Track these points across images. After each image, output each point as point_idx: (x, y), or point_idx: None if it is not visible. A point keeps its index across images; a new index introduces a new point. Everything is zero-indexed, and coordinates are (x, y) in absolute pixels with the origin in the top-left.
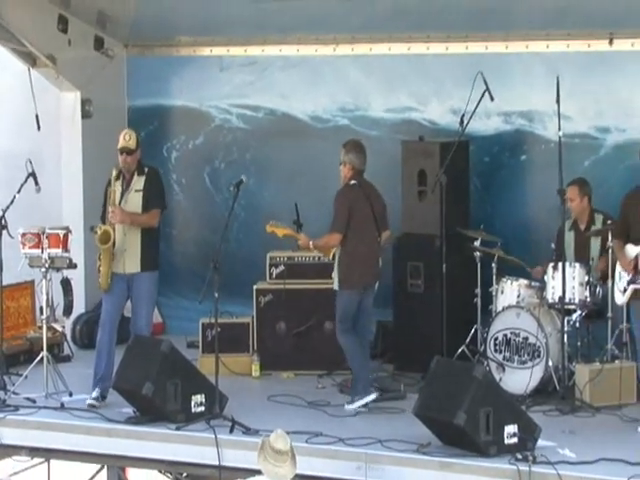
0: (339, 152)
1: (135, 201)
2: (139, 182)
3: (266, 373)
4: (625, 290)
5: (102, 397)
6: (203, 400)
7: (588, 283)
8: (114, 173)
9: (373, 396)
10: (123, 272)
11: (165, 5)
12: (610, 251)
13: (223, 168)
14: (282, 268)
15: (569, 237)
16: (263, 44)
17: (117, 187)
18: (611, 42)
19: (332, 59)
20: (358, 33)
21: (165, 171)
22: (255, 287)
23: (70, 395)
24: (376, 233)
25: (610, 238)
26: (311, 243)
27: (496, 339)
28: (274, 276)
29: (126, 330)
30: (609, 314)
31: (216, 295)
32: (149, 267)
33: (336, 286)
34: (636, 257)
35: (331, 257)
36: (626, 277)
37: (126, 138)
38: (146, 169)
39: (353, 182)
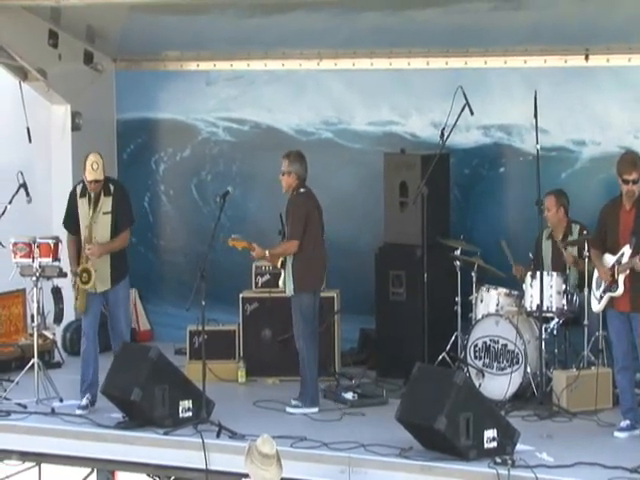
0: (281, 162)
1: (104, 223)
2: (106, 204)
3: (252, 379)
4: (601, 298)
5: (91, 403)
6: (190, 405)
7: (565, 292)
8: (78, 191)
9: (316, 409)
10: (96, 292)
11: (153, 21)
12: (587, 260)
13: (210, 180)
14: (268, 277)
15: (546, 246)
16: (248, 59)
17: (83, 206)
18: (587, 58)
19: (316, 73)
20: (341, 48)
21: (153, 182)
22: (241, 295)
23: (60, 401)
24: (323, 239)
25: (586, 248)
26: (267, 252)
27: (476, 346)
28: (260, 285)
29: (107, 338)
30: (585, 322)
31: (203, 303)
32: (120, 278)
33: (290, 292)
34: (613, 266)
35: (279, 265)
36: (602, 286)
37: (94, 167)
38: (112, 187)
39: (303, 190)
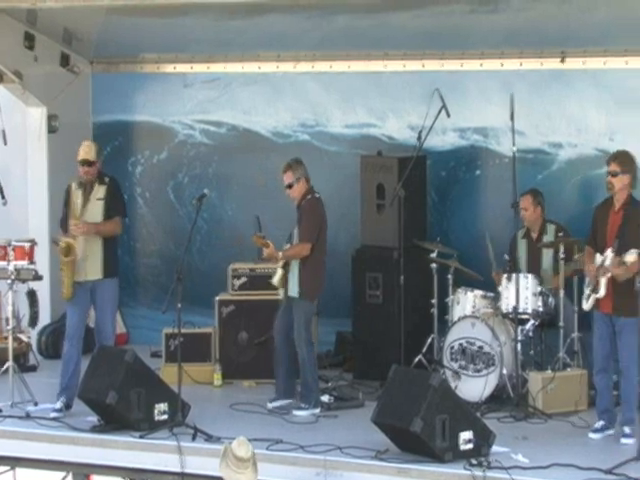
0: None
1: (96, 210)
2: (100, 191)
3: (228, 382)
4: (589, 297)
5: (67, 406)
6: (166, 409)
7: (541, 293)
8: (74, 185)
9: (318, 410)
10: (85, 280)
11: (130, 23)
12: (562, 263)
13: (186, 182)
14: (244, 279)
15: (522, 246)
16: (225, 61)
17: (77, 197)
18: (563, 60)
19: (293, 76)
20: (318, 51)
21: (130, 185)
22: (217, 298)
23: (35, 404)
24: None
25: (562, 250)
26: (281, 254)
27: (452, 348)
28: (236, 287)
29: (91, 341)
30: (561, 323)
31: (179, 306)
32: (111, 274)
33: (295, 295)
34: (598, 268)
35: (280, 264)
36: (591, 286)
37: (86, 150)
38: (106, 178)
39: (318, 194)
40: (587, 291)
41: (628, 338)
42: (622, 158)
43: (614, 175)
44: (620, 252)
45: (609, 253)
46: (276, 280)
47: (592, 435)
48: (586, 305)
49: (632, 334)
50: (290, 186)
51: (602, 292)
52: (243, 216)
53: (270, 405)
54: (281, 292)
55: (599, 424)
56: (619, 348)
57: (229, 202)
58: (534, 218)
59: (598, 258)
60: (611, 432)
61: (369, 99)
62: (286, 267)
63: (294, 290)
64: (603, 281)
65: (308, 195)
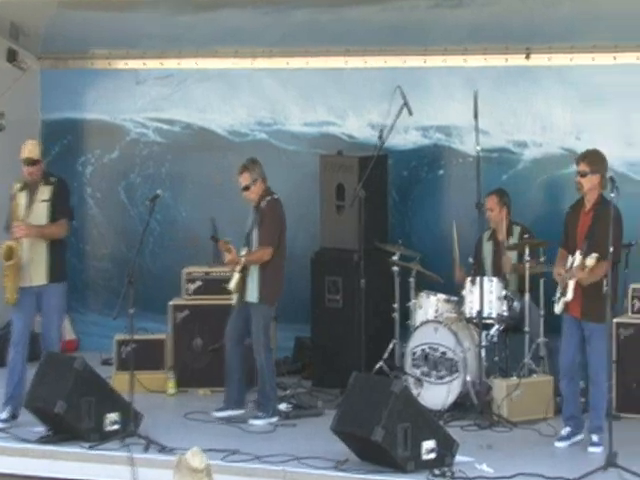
0: (236, 178)
1: (41, 211)
2: (45, 192)
3: (182, 390)
4: (559, 300)
5: (13, 417)
6: (117, 418)
7: (506, 297)
8: (17, 186)
9: (276, 419)
10: (30, 285)
11: (80, 17)
12: (527, 266)
13: (139, 182)
14: (199, 283)
15: (487, 248)
16: (179, 57)
17: (21, 199)
18: (528, 57)
19: (249, 72)
20: (276, 46)
21: (80, 185)
22: (171, 303)
23: None
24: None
25: (527, 252)
26: (243, 259)
27: (414, 354)
28: (190, 292)
29: (36, 348)
30: (526, 328)
31: (131, 311)
32: (57, 278)
33: (254, 300)
34: (567, 270)
35: (238, 269)
36: (560, 288)
37: (30, 148)
38: (52, 179)
39: (277, 196)
40: (557, 294)
41: (597, 344)
42: (591, 158)
43: (583, 175)
44: (589, 254)
45: (577, 255)
46: (233, 285)
47: (558, 444)
48: (557, 308)
49: (601, 340)
50: (247, 188)
51: (569, 295)
52: (198, 217)
53: (217, 415)
54: (235, 297)
55: (565, 431)
56: (588, 354)
57: (183, 203)
58: (500, 219)
59: (570, 260)
60: (578, 439)
61: (329, 96)
62: (244, 271)
63: (253, 295)
64: (571, 284)
65: (267, 196)
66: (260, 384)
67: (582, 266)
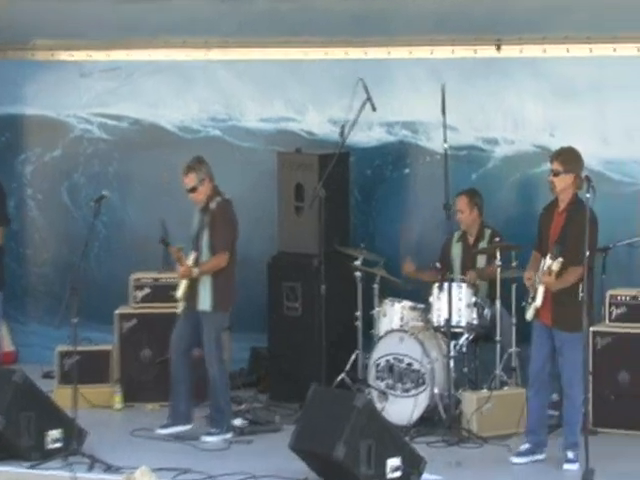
0: (182, 178)
1: None
2: None
3: (129, 405)
4: (529, 306)
5: None
6: (60, 435)
7: (475, 304)
8: None
9: (230, 435)
10: None
11: (20, 5)
12: (499, 271)
13: (83, 182)
14: (147, 290)
15: (456, 249)
16: (128, 48)
17: None
18: (499, 48)
19: (203, 64)
20: (231, 37)
21: (19, 186)
22: (117, 311)
23: None
24: None
25: (498, 256)
26: (197, 270)
27: (378, 365)
28: (138, 299)
29: None
30: (498, 337)
31: (74, 320)
32: None
33: (206, 308)
34: (537, 273)
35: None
36: (531, 293)
37: None
38: None
39: (228, 196)
40: (528, 299)
41: (570, 355)
42: (565, 156)
43: (556, 174)
44: (559, 258)
45: (547, 259)
46: (181, 292)
47: (515, 459)
48: (527, 314)
49: (574, 350)
50: (194, 189)
51: (538, 301)
52: (147, 219)
53: (161, 432)
54: (181, 305)
55: (524, 447)
56: (560, 365)
57: (131, 204)
58: (471, 221)
59: (541, 264)
60: (538, 458)
61: (287, 90)
62: (192, 278)
63: (205, 303)
64: (540, 289)
65: (216, 197)
66: (213, 398)
67: (549, 271)
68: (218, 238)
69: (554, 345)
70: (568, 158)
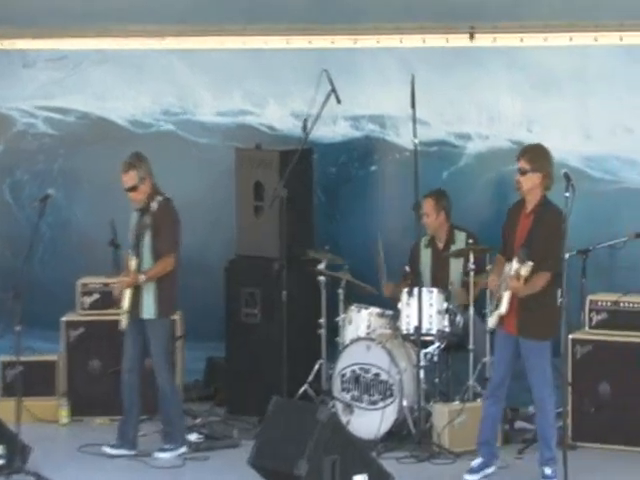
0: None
1: None
2: None
3: (77, 419)
4: (492, 313)
5: None
6: (2, 452)
7: (447, 311)
8: None
9: (184, 448)
10: None
11: None
12: (472, 275)
13: (26, 180)
14: (96, 296)
15: (425, 256)
16: (75, 36)
17: None
18: (472, 37)
19: (155, 54)
20: (186, 24)
21: None
22: (64, 319)
23: None
24: None
25: (472, 259)
26: (143, 276)
27: (343, 376)
28: (86, 306)
29: None
30: (471, 346)
31: (17, 328)
32: None
33: (150, 315)
34: (502, 279)
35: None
36: (495, 299)
37: None
38: None
39: (168, 195)
40: (491, 306)
41: (537, 364)
42: (532, 153)
43: (523, 173)
44: (527, 262)
45: (514, 263)
46: (127, 303)
47: (467, 476)
48: (490, 322)
49: (541, 359)
50: (134, 188)
51: (504, 308)
52: (95, 220)
53: (108, 451)
54: (124, 317)
55: (476, 463)
56: (528, 376)
57: (78, 203)
58: (437, 225)
59: (506, 268)
60: (489, 472)
61: (246, 82)
62: (135, 286)
63: (150, 311)
64: (506, 296)
65: (157, 196)
66: (164, 411)
67: (517, 275)
68: (163, 241)
69: (518, 353)
70: (535, 156)
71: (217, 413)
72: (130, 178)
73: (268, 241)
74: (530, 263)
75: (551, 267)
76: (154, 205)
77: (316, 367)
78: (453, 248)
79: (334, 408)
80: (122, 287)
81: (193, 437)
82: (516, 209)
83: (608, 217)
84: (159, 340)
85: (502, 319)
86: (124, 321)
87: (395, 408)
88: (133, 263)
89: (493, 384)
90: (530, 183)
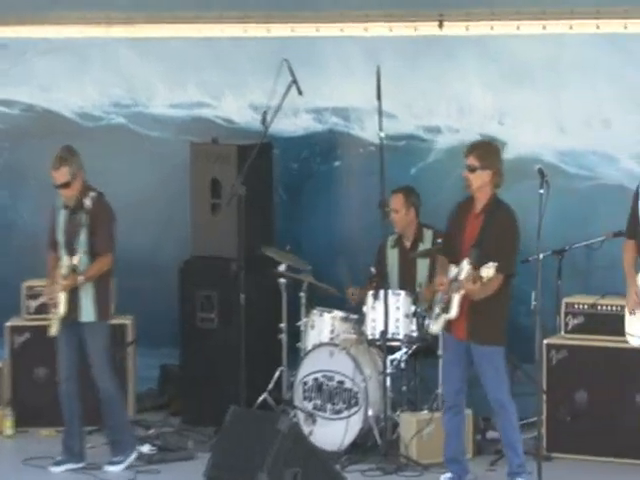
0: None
1: None
2: None
3: (21, 430)
4: (438, 317)
5: None
6: None
7: (415, 314)
8: None
9: (135, 454)
10: None
11: None
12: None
13: None
14: (43, 300)
15: (392, 256)
16: (17, 24)
17: None
18: (441, 25)
19: (104, 42)
20: (136, 11)
21: None
22: (8, 324)
23: None
24: None
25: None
26: (82, 278)
27: (305, 384)
28: (32, 310)
29: None
30: (439, 351)
31: None
32: None
33: (90, 319)
34: (450, 282)
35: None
36: (441, 302)
37: None
38: None
39: (100, 191)
40: (437, 309)
41: (490, 368)
42: (481, 150)
43: (472, 170)
44: (479, 264)
45: (465, 265)
46: (64, 309)
47: None
48: (434, 326)
49: (495, 362)
50: (67, 185)
51: (453, 312)
52: (41, 219)
53: (54, 470)
54: (55, 324)
55: (446, 477)
56: (483, 381)
57: (24, 202)
58: (407, 222)
59: (452, 270)
60: None
61: (201, 72)
62: (71, 289)
63: (89, 314)
64: (456, 299)
65: (89, 192)
66: (109, 419)
67: (475, 277)
68: (100, 239)
69: (470, 361)
70: (485, 152)
71: (171, 423)
72: (62, 174)
73: (225, 241)
74: (493, 264)
75: (503, 269)
76: (87, 202)
77: (276, 374)
78: (421, 247)
79: (295, 418)
80: (57, 290)
81: (145, 449)
82: (464, 208)
83: (584, 215)
84: (99, 345)
85: (449, 324)
86: (54, 327)
87: (360, 418)
88: (67, 264)
89: (448, 395)
90: (479, 181)
